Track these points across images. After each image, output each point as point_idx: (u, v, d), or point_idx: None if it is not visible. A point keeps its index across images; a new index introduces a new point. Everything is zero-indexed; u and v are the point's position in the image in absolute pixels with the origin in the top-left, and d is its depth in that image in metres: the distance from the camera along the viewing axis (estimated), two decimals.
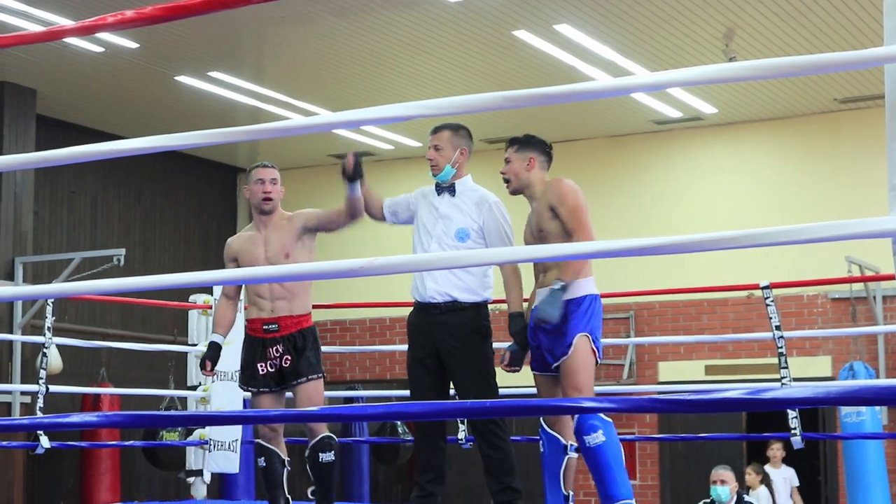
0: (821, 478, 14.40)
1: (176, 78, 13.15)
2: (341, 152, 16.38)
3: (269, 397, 6.54)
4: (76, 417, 3.34)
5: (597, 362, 5.85)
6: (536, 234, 6.08)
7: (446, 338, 6.37)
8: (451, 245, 6.34)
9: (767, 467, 12.68)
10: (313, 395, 6.48)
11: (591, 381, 5.80)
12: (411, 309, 6.60)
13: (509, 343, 6.22)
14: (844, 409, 12.59)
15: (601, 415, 5.62)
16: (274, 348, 6.50)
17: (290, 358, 6.49)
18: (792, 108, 14.54)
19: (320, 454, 6.53)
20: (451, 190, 6.58)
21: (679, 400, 2.68)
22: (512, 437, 6.59)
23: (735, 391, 2.51)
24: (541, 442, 5.84)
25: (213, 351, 6.54)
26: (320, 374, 6.55)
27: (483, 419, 6.31)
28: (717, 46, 12.17)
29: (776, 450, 12.65)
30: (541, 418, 5.92)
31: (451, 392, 6.69)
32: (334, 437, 6.55)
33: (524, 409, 3.18)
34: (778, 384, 8.15)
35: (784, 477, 12.65)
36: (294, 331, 6.54)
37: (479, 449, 6.48)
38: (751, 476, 12.33)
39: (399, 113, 3.25)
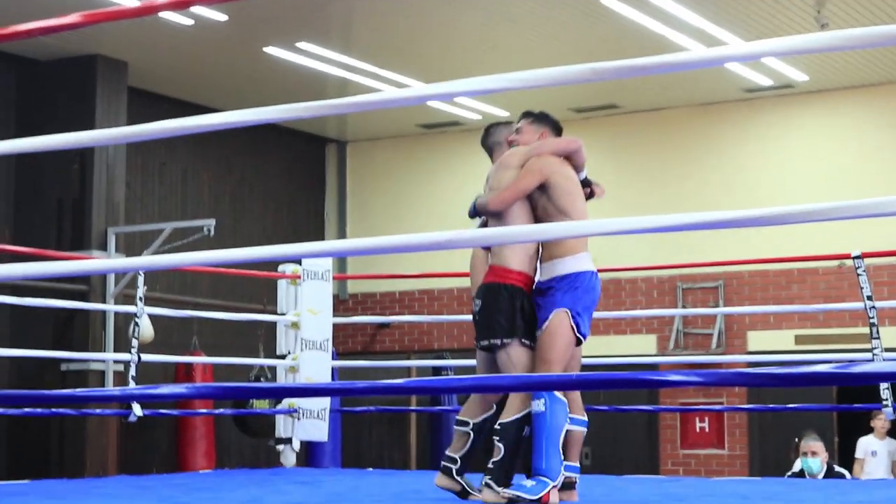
0: None
1: (265, 49, 13.24)
2: (428, 122, 16.40)
3: None
4: (166, 389, 3.39)
5: (579, 339, 5.82)
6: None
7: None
8: None
9: (872, 437, 12.49)
10: None
11: (562, 355, 5.73)
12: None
13: None
14: None
15: (556, 393, 5.69)
16: None
17: None
18: (884, 74, 14.33)
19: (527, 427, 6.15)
20: None
21: (766, 374, 2.67)
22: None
23: (824, 365, 2.50)
24: (544, 402, 5.76)
25: None
26: None
27: None
28: (809, 12, 12.01)
29: (882, 420, 12.28)
30: None
31: None
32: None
33: (608, 383, 3.18)
34: (869, 355, 8.06)
35: (890, 450, 12.46)
36: None
37: None
38: (880, 422, 12.21)
39: (488, 86, 3.26)
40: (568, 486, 5.91)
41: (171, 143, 14.84)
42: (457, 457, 6.18)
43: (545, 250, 5.93)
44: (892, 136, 14.56)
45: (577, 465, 6.01)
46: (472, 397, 6.29)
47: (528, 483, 5.69)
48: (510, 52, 13.31)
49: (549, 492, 5.64)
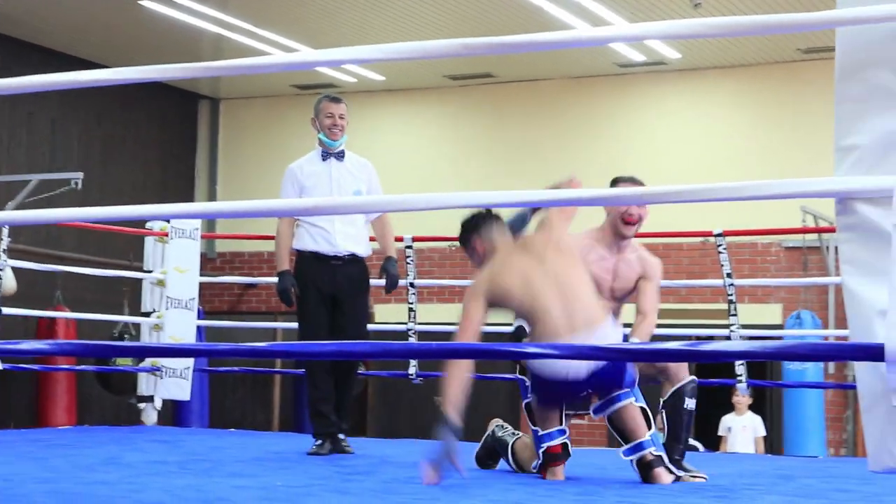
0: (767, 424, 14.58)
1: (140, 2, 13.06)
2: (303, 83, 16.34)
3: None
4: (28, 344, 3.38)
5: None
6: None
7: (346, 284, 7.17)
8: None
9: (732, 415, 12.74)
10: None
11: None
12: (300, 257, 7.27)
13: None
14: None
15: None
16: None
17: None
18: (755, 56, 14.60)
19: (686, 399, 5.85)
20: (341, 155, 7.23)
21: (620, 348, 2.75)
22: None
23: (676, 342, 2.59)
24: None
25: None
26: None
27: (353, 361, 7.32)
28: None
29: (737, 396, 12.53)
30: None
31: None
32: (696, 381, 5.97)
33: (470, 353, 3.25)
34: (727, 331, 8.27)
35: (744, 425, 12.72)
36: None
37: (337, 384, 7.21)
38: (735, 398, 12.43)
39: (362, 56, 3.29)
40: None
41: (41, 93, 14.56)
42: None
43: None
44: (762, 117, 14.85)
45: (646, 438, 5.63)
46: None
47: None
48: (390, 16, 13.29)
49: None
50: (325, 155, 7.21)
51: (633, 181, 6.03)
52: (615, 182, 6.03)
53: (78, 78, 3.70)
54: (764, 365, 14.38)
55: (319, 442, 7.06)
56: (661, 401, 5.86)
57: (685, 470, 5.70)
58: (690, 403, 5.82)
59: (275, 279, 7.35)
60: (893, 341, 2.65)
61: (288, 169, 7.31)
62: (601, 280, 5.87)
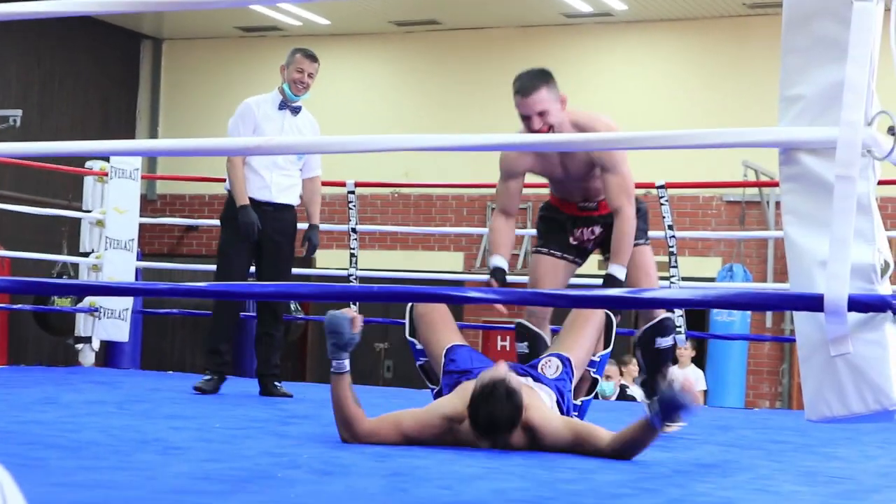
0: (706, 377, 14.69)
1: None
2: (247, 25, 16.20)
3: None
4: None
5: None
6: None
7: (272, 231, 7.20)
8: (292, 160, 7.25)
9: (675, 368, 12.76)
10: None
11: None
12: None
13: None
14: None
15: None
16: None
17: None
18: (702, 9, 14.61)
19: (658, 339, 5.61)
20: (297, 110, 7.28)
21: (561, 294, 2.74)
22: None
23: (616, 290, 2.58)
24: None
25: (501, 275, 5.82)
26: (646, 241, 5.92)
27: (281, 304, 7.54)
28: None
29: (682, 349, 12.55)
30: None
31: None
32: (673, 319, 5.77)
33: (411, 296, 3.23)
34: (667, 283, 8.31)
35: (686, 378, 12.75)
36: None
37: (266, 330, 7.34)
38: (685, 350, 12.48)
39: None
40: None
41: None
42: None
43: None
44: (707, 71, 14.89)
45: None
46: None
47: None
48: None
49: None
50: (283, 105, 7.23)
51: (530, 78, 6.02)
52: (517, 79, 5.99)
53: (15, 10, 3.63)
54: (703, 318, 14.48)
55: (209, 377, 7.23)
56: (637, 338, 5.69)
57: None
58: (663, 342, 5.61)
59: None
60: (833, 292, 2.66)
61: (244, 104, 7.28)
62: (553, 172, 5.93)
